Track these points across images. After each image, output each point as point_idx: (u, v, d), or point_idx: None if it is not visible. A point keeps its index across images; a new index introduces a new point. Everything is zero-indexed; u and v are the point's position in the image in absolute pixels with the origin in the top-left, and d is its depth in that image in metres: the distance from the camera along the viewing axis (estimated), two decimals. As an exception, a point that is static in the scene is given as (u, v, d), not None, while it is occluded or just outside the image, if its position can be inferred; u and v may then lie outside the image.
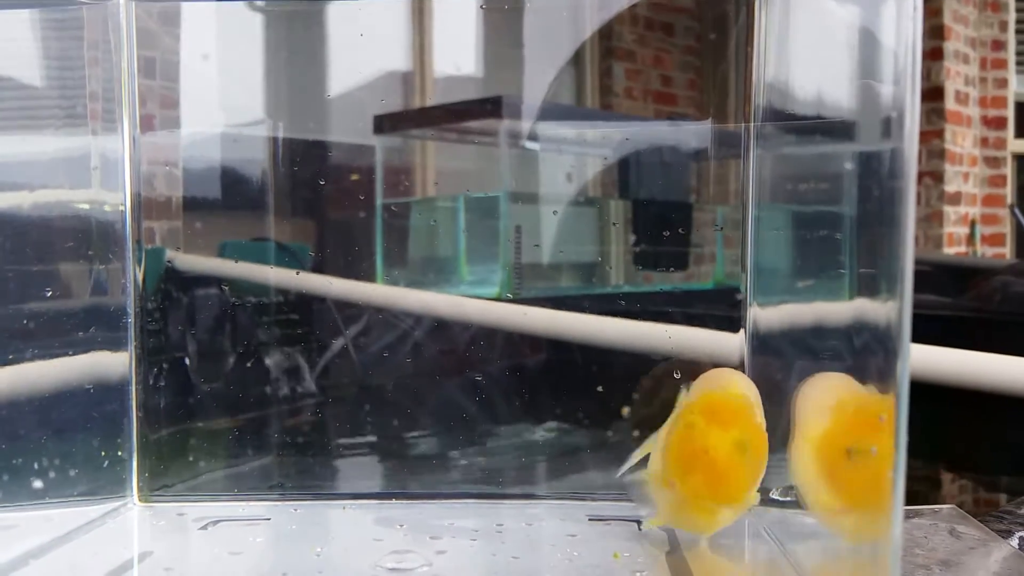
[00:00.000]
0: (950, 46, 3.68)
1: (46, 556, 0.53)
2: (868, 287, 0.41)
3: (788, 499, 0.54)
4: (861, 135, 0.45)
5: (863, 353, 0.41)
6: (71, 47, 0.62)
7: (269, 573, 0.52)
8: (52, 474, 0.57)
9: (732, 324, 0.64)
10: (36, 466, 0.56)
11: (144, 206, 0.65)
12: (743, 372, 0.62)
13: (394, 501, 0.64)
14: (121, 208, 0.64)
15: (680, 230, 0.73)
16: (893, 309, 0.36)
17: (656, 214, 0.73)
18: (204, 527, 0.59)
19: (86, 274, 0.62)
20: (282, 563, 0.53)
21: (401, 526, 0.59)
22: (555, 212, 0.76)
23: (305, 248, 0.72)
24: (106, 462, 0.62)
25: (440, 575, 0.50)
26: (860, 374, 0.41)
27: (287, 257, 0.71)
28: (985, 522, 0.61)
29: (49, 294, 0.59)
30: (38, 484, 0.56)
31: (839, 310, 0.47)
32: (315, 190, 0.73)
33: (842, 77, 0.47)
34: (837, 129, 0.48)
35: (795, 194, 0.58)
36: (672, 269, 0.74)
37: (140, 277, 0.64)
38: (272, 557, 0.55)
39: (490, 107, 0.77)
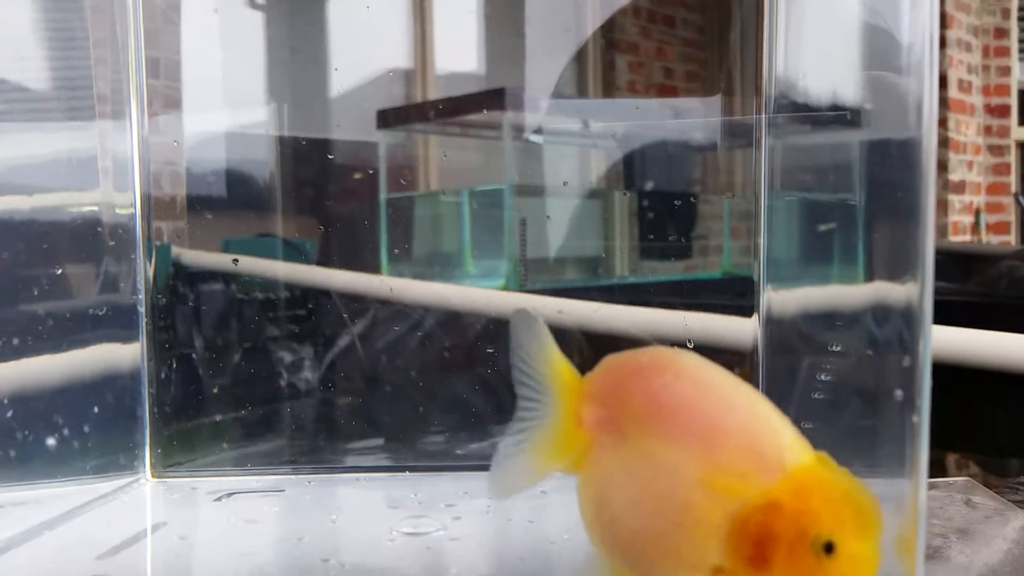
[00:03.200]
0: (952, 34, 3.68)
1: (60, 527, 0.53)
2: (886, 269, 0.41)
3: None
4: (877, 122, 0.45)
5: (883, 333, 0.41)
6: (78, 45, 0.62)
7: (285, 539, 0.52)
8: (66, 449, 0.57)
9: (743, 311, 0.63)
10: (52, 441, 0.56)
11: (152, 204, 0.66)
12: (757, 356, 0.62)
13: (407, 474, 0.65)
14: (131, 209, 0.64)
15: (687, 220, 0.73)
16: (914, 289, 0.36)
17: (663, 205, 0.73)
18: (218, 499, 0.59)
19: (100, 271, 0.62)
20: (298, 530, 0.54)
21: (415, 495, 0.59)
22: (563, 201, 0.76)
23: (311, 243, 0.72)
24: (120, 439, 0.63)
25: (457, 538, 0.50)
26: (880, 354, 0.41)
27: (298, 252, 0.72)
28: (1001, 493, 0.61)
29: (63, 290, 0.59)
30: (52, 458, 0.56)
31: (855, 292, 0.47)
32: (319, 186, 0.73)
33: (855, 64, 0.47)
34: (851, 117, 0.48)
35: (808, 182, 0.58)
36: (679, 259, 0.74)
37: (151, 274, 0.65)
38: (287, 525, 0.56)
39: (493, 99, 0.77)
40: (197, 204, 0.69)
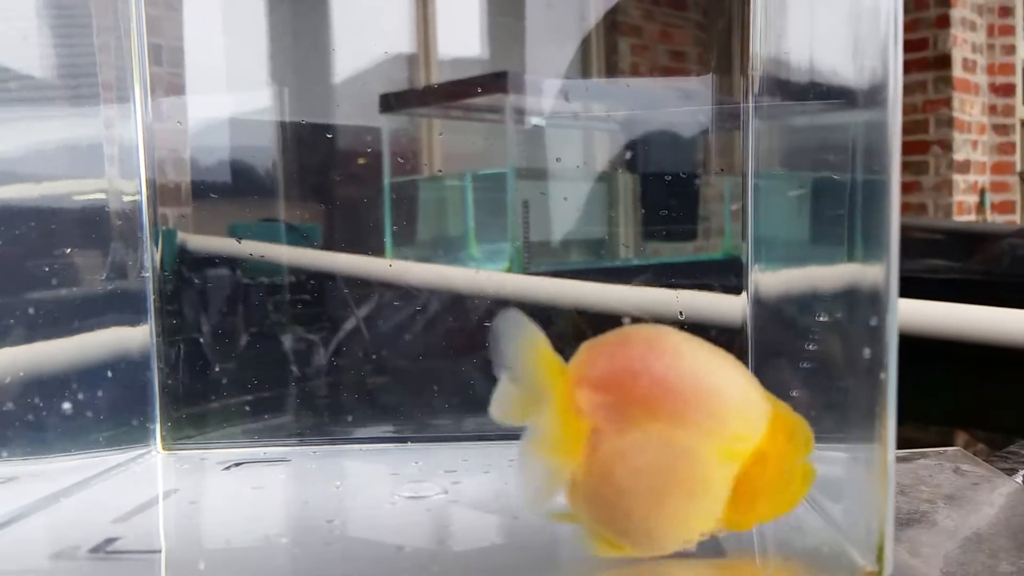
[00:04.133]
0: (957, 13, 3.66)
1: (75, 495, 0.55)
2: (860, 250, 0.43)
3: None
4: (850, 103, 0.46)
5: (855, 310, 0.42)
6: (80, 33, 0.63)
7: (291, 503, 0.54)
8: (79, 424, 0.59)
9: (739, 290, 0.65)
10: (66, 416, 0.58)
11: (158, 190, 0.67)
12: (746, 330, 0.63)
13: (409, 444, 0.66)
14: (136, 196, 0.65)
15: (689, 202, 0.73)
16: (880, 270, 0.38)
17: (665, 187, 0.74)
18: (227, 468, 0.61)
19: (108, 257, 0.63)
20: (303, 494, 0.56)
21: (416, 463, 0.60)
22: (565, 184, 0.77)
23: (315, 228, 0.73)
24: (131, 416, 0.64)
25: (458, 501, 0.52)
26: (853, 328, 0.42)
27: (302, 237, 0.72)
28: (991, 462, 0.62)
29: (73, 276, 0.61)
30: (66, 432, 0.58)
31: (834, 272, 0.48)
32: (323, 171, 0.73)
33: (834, 46, 0.48)
34: (829, 98, 0.49)
35: (792, 163, 0.59)
36: (681, 241, 0.75)
37: (158, 259, 0.66)
38: (293, 490, 0.57)
39: (496, 83, 0.78)
40: (201, 190, 0.70)
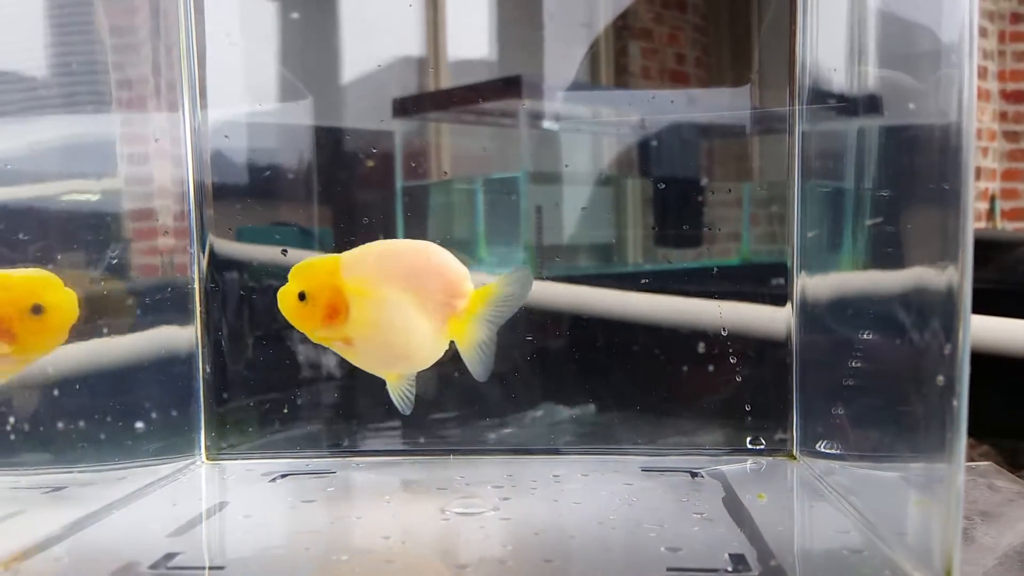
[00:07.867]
0: (967, 19, 3.64)
1: (126, 507, 0.55)
2: (925, 256, 0.42)
3: (834, 451, 0.55)
4: (911, 109, 0.45)
5: (921, 318, 0.41)
6: (123, 31, 0.63)
7: (344, 518, 0.54)
8: (124, 437, 0.60)
9: (763, 298, 0.65)
10: (110, 429, 0.59)
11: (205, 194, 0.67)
12: (791, 343, 0.64)
13: (451, 458, 0.67)
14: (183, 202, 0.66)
15: (705, 208, 0.73)
16: (954, 275, 0.37)
17: (681, 192, 0.74)
18: (273, 480, 0.62)
19: (156, 257, 0.64)
20: (355, 509, 0.56)
21: (461, 477, 0.61)
22: (578, 189, 0.76)
23: (327, 232, 0.73)
24: (176, 423, 0.66)
25: (510, 518, 0.52)
26: (918, 338, 0.42)
27: (317, 240, 0.72)
28: (1023, 477, 0.63)
29: (123, 276, 0.62)
30: (111, 445, 0.59)
31: (892, 278, 0.47)
32: (336, 174, 0.73)
33: (890, 52, 0.47)
34: (885, 105, 0.48)
35: (841, 170, 0.58)
36: (696, 247, 0.74)
37: (204, 261, 0.66)
38: (345, 504, 0.58)
39: (510, 87, 0.77)
40: (216, 193, 0.70)
